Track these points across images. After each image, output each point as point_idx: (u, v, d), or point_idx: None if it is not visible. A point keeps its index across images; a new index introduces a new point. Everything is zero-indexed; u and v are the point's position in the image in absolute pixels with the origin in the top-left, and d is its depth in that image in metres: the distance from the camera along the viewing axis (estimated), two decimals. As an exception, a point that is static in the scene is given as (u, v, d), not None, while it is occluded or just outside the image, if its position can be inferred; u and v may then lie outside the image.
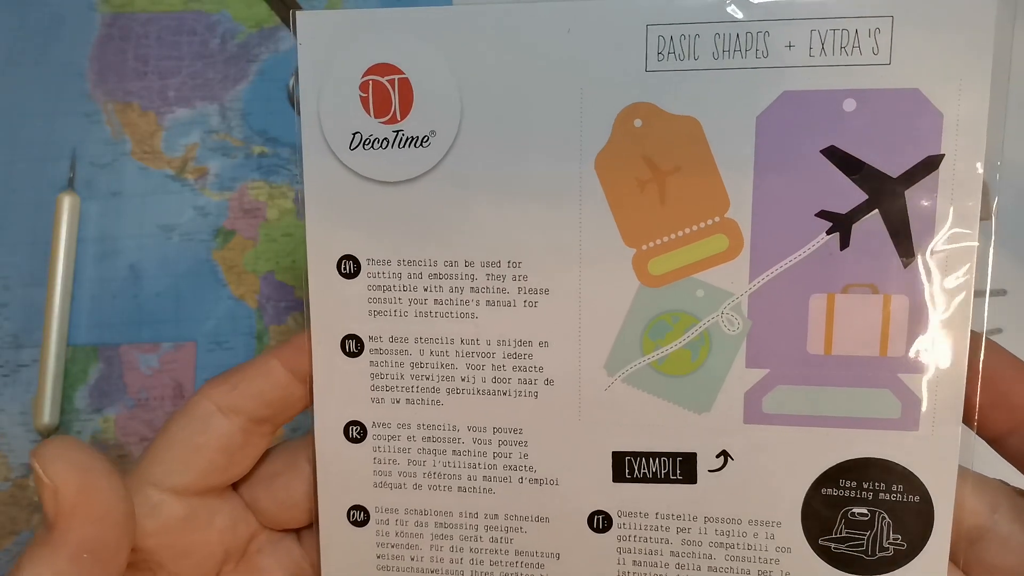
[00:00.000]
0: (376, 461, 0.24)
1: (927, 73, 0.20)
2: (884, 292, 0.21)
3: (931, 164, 0.20)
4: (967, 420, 0.21)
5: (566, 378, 0.23)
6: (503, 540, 0.24)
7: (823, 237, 0.21)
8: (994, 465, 0.22)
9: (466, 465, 0.24)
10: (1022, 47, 0.21)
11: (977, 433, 0.22)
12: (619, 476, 0.23)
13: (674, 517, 0.23)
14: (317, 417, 0.24)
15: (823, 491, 0.22)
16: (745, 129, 0.21)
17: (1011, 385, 0.21)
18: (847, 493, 0.22)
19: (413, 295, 0.23)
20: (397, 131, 0.22)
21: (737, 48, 0.21)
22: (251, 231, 0.32)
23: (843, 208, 0.21)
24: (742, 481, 0.22)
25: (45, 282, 0.32)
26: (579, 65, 0.21)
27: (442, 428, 0.24)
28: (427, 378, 0.24)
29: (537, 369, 0.23)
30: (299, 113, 0.23)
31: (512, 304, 0.23)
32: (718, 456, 0.23)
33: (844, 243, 0.21)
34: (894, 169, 0.21)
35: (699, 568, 0.23)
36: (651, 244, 0.22)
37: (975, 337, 0.21)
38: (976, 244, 0.21)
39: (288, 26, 0.30)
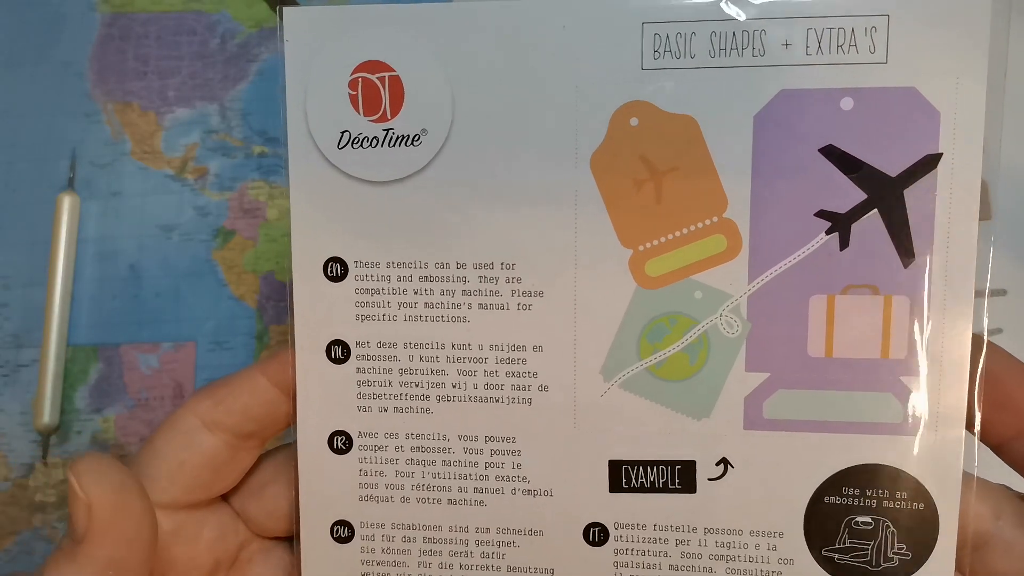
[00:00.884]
0: (362, 473, 0.23)
1: (924, 71, 0.20)
2: (885, 293, 0.21)
3: (929, 163, 0.20)
4: (968, 426, 0.21)
5: (561, 384, 0.22)
6: (495, 555, 0.23)
7: (822, 237, 0.21)
8: (995, 471, 0.22)
9: (456, 476, 0.23)
10: (1018, 44, 0.21)
11: (979, 439, 0.21)
12: (616, 486, 0.22)
13: (673, 528, 0.22)
14: (300, 427, 0.23)
15: (826, 499, 0.21)
16: (743, 128, 0.21)
17: (1015, 389, 0.21)
18: (850, 501, 0.21)
19: (403, 298, 0.22)
20: (387, 130, 0.22)
21: (734, 46, 0.21)
22: (251, 231, 0.32)
23: (842, 208, 0.21)
24: (743, 490, 0.22)
25: (45, 282, 0.32)
26: (574, 63, 0.21)
27: (432, 437, 0.23)
28: (416, 385, 0.23)
29: (531, 375, 0.22)
30: (286, 110, 0.22)
31: (505, 307, 0.22)
32: (718, 464, 0.22)
33: (844, 243, 0.21)
34: (893, 168, 0.20)
35: (699, 582, 0.22)
36: (648, 245, 0.21)
37: (976, 340, 0.21)
38: (977, 243, 0.20)
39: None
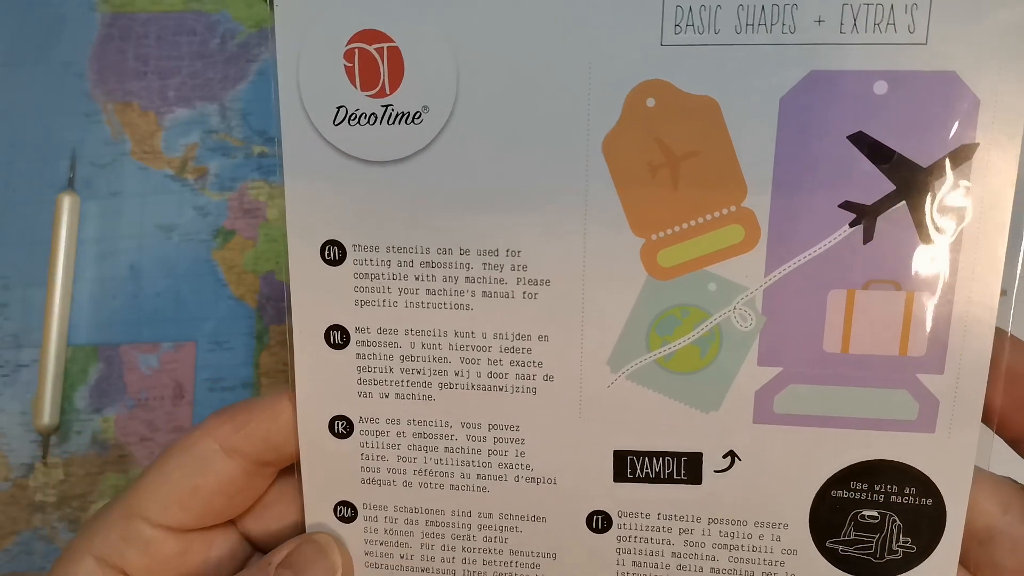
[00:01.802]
0: (363, 457, 0.23)
1: (965, 55, 0.19)
2: (907, 289, 0.20)
3: (965, 154, 0.19)
4: (986, 419, 0.20)
5: (567, 374, 0.21)
6: (497, 539, 0.23)
7: (845, 229, 0.20)
8: (1008, 463, 0.21)
9: (459, 463, 0.22)
10: (1072, 30, 0.20)
11: (996, 432, 0.21)
12: (620, 476, 0.22)
13: (677, 518, 0.22)
14: (301, 411, 0.22)
15: (833, 493, 0.21)
16: (767, 111, 0.19)
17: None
18: (857, 495, 0.21)
19: (403, 284, 0.21)
20: (386, 106, 0.20)
21: (762, 22, 0.19)
22: (251, 231, 0.32)
23: (868, 199, 0.20)
24: (749, 482, 0.21)
25: (45, 282, 0.32)
26: (588, 37, 0.19)
27: (434, 424, 0.22)
28: (418, 372, 0.22)
29: (536, 364, 0.21)
30: (277, 83, 0.21)
31: (510, 295, 0.21)
32: (725, 456, 0.21)
33: (868, 236, 0.20)
34: (925, 158, 0.19)
35: (701, 570, 0.22)
36: (661, 234, 0.20)
37: (999, 334, 0.20)
38: (1007, 240, 0.19)
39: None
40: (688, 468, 0.22)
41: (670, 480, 0.22)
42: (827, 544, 0.22)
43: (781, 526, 0.22)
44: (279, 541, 0.23)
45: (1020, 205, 0.19)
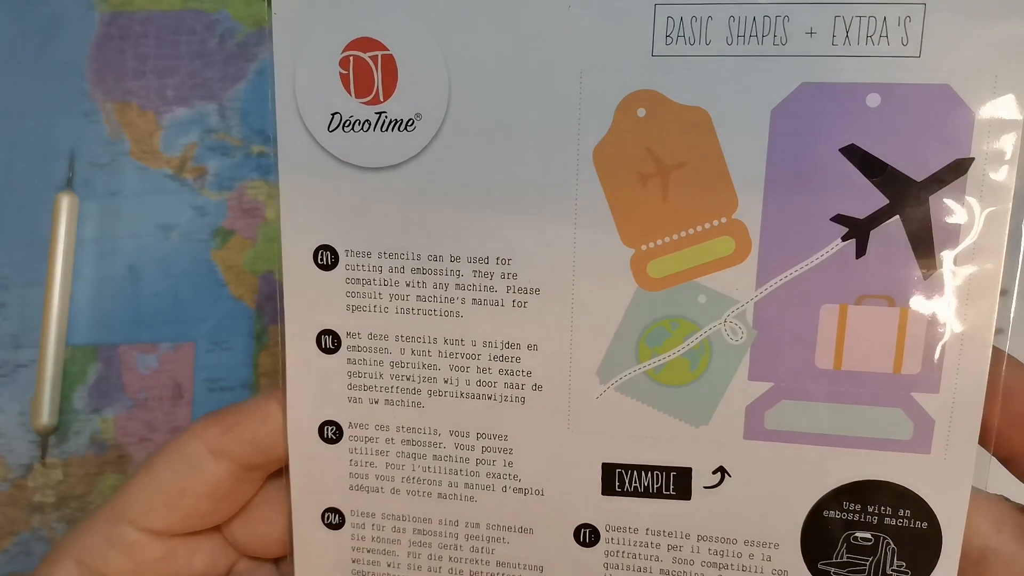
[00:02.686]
0: (352, 463, 0.23)
1: (959, 68, 0.18)
2: (901, 305, 0.19)
3: (959, 168, 0.19)
4: (982, 439, 0.20)
5: (555, 384, 0.21)
6: (484, 550, 0.23)
7: (838, 243, 0.20)
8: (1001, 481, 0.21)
9: (447, 471, 0.22)
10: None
11: (992, 453, 0.20)
12: (609, 489, 0.22)
13: (665, 534, 0.22)
14: (290, 415, 0.22)
15: (825, 513, 0.21)
16: (758, 123, 0.19)
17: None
18: (851, 516, 0.21)
19: (394, 290, 0.22)
20: (380, 113, 0.21)
21: (753, 33, 0.19)
22: (250, 231, 0.32)
23: (861, 213, 0.19)
24: (739, 499, 0.21)
25: (44, 282, 0.32)
26: (579, 47, 0.20)
27: (422, 431, 0.22)
28: (407, 378, 0.22)
29: (525, 373, 0.21)
30: (274, 89, 0.21)
31: (500, 304, 0.21)
32: (715, 472, 0.21)
33: (860, 251, 0.19)
34: (919, 172, 0.19)
35: (690, 587, 0.22)
36: (651, 244, 0.20)
37: (997, 353, 0.19)
38: (1004, 256, 0.19)
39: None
40: (677, 483, 0.21)
41: (659, 495, 0.21)
42: (819, 566, 0.21)
43: (772, 545, 0.21)
44: (266, 548, 0.23)
45: (1020, 206, 0.19)
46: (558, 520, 0.22)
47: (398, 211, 0.21)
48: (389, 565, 0.23)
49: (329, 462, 0.23)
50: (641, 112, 0.20)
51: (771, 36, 0.19)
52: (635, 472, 0.21)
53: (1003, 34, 0.18)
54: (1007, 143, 0.18)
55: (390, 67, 0.20)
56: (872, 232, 0.19)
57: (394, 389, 0.22)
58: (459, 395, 0.22)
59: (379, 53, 0.20)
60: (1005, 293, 0.19)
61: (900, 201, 0.19)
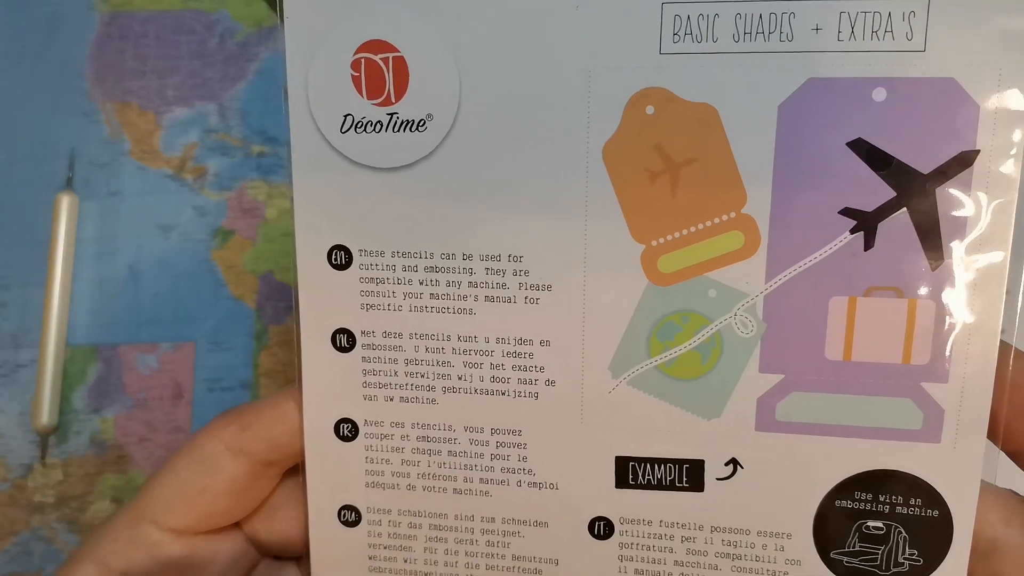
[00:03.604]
0: (368, 460, 0.23)
1: (964, 61, 0.19)
2: (909, 296, 0.20)
3: (965, 160, 0.19)
4: (990, 434, 0.20)
5: (568, 379, 0.22)
6: (500, 544, 0.23)
7: (846, 236, 0.20)
8: (1011, 477, 0.21)
9: (462, 467, 0.23)
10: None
11: (1000, 446, 0.20)
12: (622, 482, 0.22)
13: (679, 526, 0.22)
14: (306, 414, 0.23)
15: (837, 503, 0.21)
16: (766, 118, 0.20)
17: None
18: (862, 506, 0.21)
19: (408, 288, 0.22)
20: (391, 114, 0.21)
21: (760, 30, 0.19)
22: (250, 231, 0.32)
23: (869, 206, 0.20)
24: (752, 490, 0.21)
25: (44, 282, 0.32)
26: (588, 46, 0.20)
27: (437, 428, 0.23)
28: (422, 375, 0.22)
29: (538, 369, 0.22)
30: (287, 93, 0.21)
31: (512, 300, 0.21)
32: (727, 464, 0.21)
33: (868, 243, 0.20)
34: (925, 165, 0.19)
35: (704, 578, 0.22)
36: (661, 240, 0.21)
37: (1004, 346, 0.20)
38: (1010, 247, 0.19)
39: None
40: (690, 475, 0.22)
41: (672, 487, 0.22)
42: (831, 555, 0.21)
43: (784, 536, 0.21)
44: (286, 544, 0.24)
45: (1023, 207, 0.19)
46: (572, 513, 0.22)
47: (411, 211, 0.21)
48: (406, 561, 0.24)
49: (345, 460, 0.23)
50: (650, 110, 0.20)
51: (778, 32, 0.19)
52: (648, 465, 0.22)
53: (1007, 28, 0.18)
54: (1012, 135, 0.19)
55: (401, 69, 0.21)
56: (880, 225, 0.20)
57: (409, 386, 0.22)
58: (473, 391, 0.22)
59: (390, 55, 0.21)
60: (1008, 293, 0.20)
61: (907, 194, 0.19)
